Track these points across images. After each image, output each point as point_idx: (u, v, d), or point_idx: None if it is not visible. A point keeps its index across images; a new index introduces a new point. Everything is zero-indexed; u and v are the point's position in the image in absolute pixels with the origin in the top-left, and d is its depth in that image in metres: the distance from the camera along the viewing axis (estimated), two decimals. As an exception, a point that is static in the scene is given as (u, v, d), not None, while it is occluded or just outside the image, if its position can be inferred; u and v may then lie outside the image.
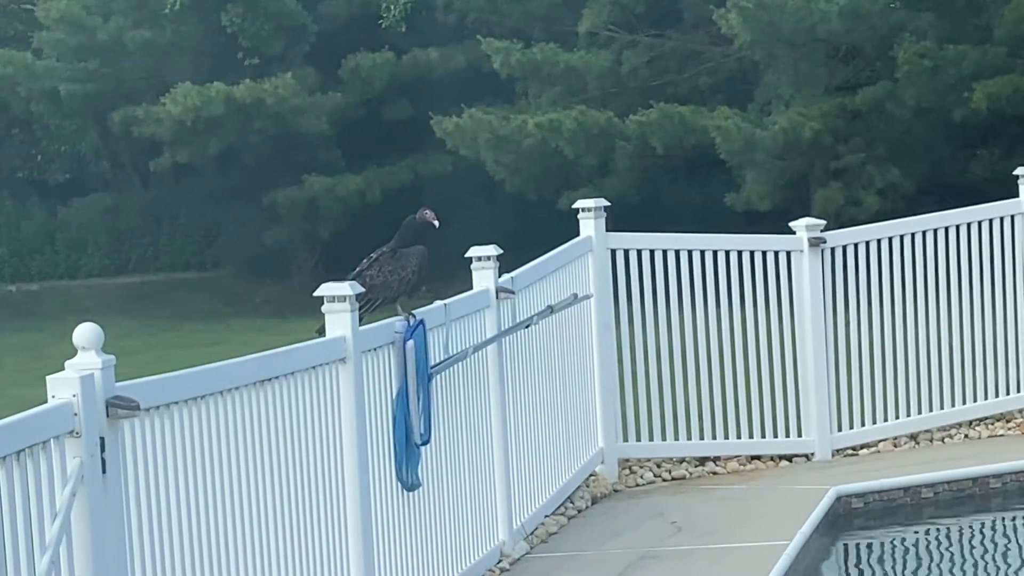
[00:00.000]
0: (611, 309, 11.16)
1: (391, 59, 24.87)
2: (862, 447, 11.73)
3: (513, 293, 9.36)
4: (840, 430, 11.66)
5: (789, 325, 11.49)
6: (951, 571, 9.80)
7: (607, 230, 11.15)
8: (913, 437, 11.94)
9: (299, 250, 26.31)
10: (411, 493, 7.91)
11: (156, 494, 5.75)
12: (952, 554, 10.16)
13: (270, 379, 6.63)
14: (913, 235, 11.87)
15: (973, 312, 12.04)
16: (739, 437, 11.46)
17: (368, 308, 7.85)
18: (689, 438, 11.41)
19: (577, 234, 11.05)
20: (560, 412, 10.36)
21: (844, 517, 10.32)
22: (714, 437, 11.43)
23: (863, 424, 11.74)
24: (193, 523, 5.99)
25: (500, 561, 9.11)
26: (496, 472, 9.20)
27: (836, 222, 16.74)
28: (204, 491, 6.08)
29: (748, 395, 11.45)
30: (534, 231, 17.24)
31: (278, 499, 6.64)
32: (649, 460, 11.38)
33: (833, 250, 11.61)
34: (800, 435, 11.56)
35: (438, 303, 8.39)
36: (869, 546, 10.15)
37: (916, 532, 10.31)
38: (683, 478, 11.27)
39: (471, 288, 9.13)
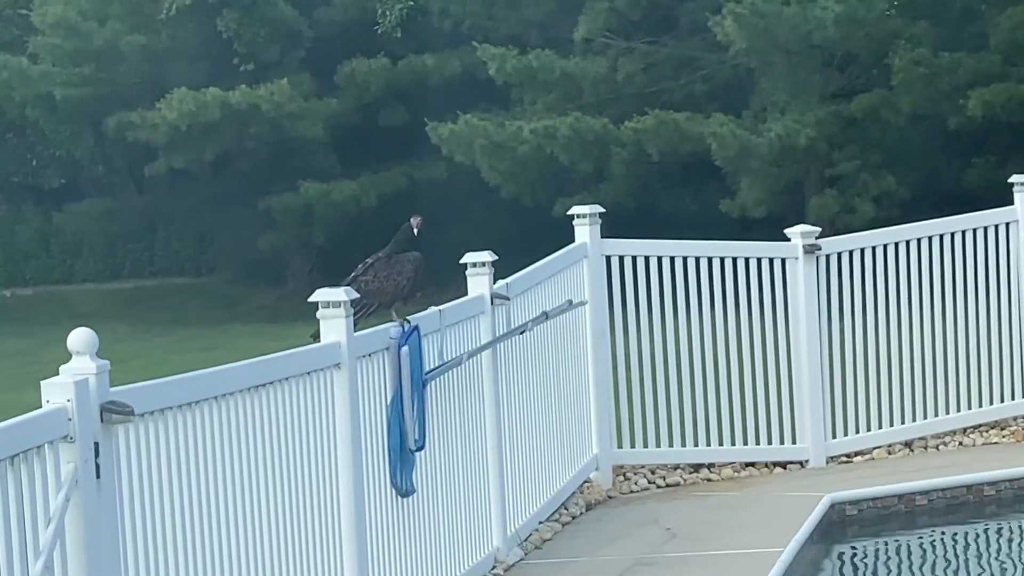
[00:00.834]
0: (606, 316, 11.15)
1: (387, 65, 24.89)
2: (856, 454, 11.73)
3: (508, 299, 9.36)
4: (834, 437, 11.66)
5: (784, 332, 11.49)
6: (945, 578, 9.82)
7: (602, 236, 11.15)
8: (907, 444, 11.94)
9: (294, 256, 26.32)
10: (405, 499, 7.90)
11: (150, 499, 5.75)
12: (946, 561, 10.16)
13: (265, 384, 6.63)
14: (908, 242, 11.88)
15: (968, 319, 12.04)
16: (733, 444, 11.46)
17: (363, 314, 7.84)
18: (683, 445, 11.40)
19: (572, 240, 11.05)
20: (554, 418, 10.36)
21: (838, 524, 10.32)
22: (708, 444, 11.42)
23: (857, 431, 11.74)
24: (187, 528, 5.99)
25: (494, 567, 9.10)
26: (490, 478, 9.20)
27: (831, 229, 16.75)
28: (198, 496, 6.07)
29: (742, 402, 11.45)
30: (529, 237, 17.25)
31: (272, 504, 6.63)
32: (643, 467, 11.37)
33: (828, 257, 11.62)
34: (794, 442, 11.57)
35: (433, 309, 8.38)
36: (863, 553, 10.15)
37: (910, 539, 10.30)
38: (677, 485, 11.27)
39: (466, 294, 9.13)
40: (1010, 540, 10.49)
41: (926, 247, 11.91)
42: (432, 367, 8.17)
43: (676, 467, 11.42)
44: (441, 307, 8.47)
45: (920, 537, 10.34)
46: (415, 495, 7.97)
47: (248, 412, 6.48)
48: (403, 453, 7.79)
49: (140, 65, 25.40)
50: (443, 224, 23.59)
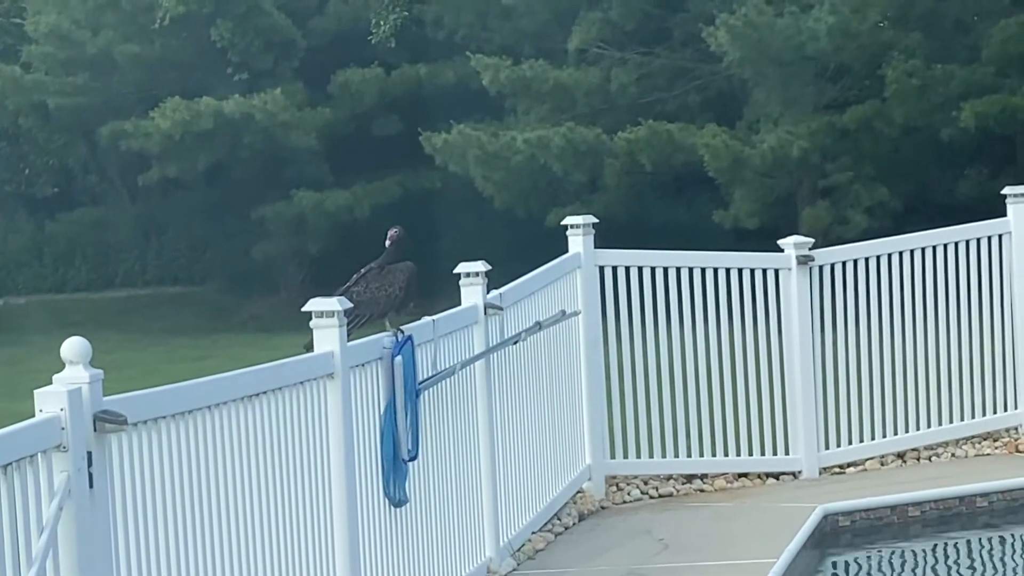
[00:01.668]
0: (599, 326, 11.16)
1: (380, 75, 24.91)
2: (849, 465, 11.74)
3: (501, 309, 9.36)
4: (827, 448, 11.66)
5: (777, 343, 11.49)
6: (938, 590, 9.82)
7: (595, 247, 11.16)
8: (900, 456, 11.94)
9: (287, 265, 26.32)
10: (398, 509, 7.90)
11: (143, 509, 5.74)
12: (938, 573, 10.17)
13: (258, 394, 6.62)
14: (901, 254, 11.89)
15: (960, 331, 12.05)
16: (726, 455, 11.46)
17: (356, 324, 7.84)
18: (676, 455, 11.40)
19: (565, 251, 11.05)
20: (548, 429, 10.36)
21: (831, 535, 10.32)
22: (701, 455, 11.42)
23: (850, 442, 11.75)
24: (180, 538, 5.98)
25: (487, 577, 9.11)
26: (483, 488, 9.20)
27: (824, 240, 16.77)
28: (191, 506, 6.07)
29: (736, 413, 11.45)
30: (522, 247, 17.26)
31: (265, 514, 6.63)
32: (636, 477, 11.37)
33: (821, 268, 11.62)
34: (787, 453, 11.57)
35: (426, 319, 8.39)
36: (856, 565, 10.15)
37: (903, 550, 10.31)
38: (670, 495, 11.27)
39: (459, 304, 9.13)
40: (1003, 552, 10.49)
41: (919, 258, 11.92)
42: (426, 377, 8.17)
43: (669, 478, 11.42)
44: (435, 317, 8.47)
45: (913, 548, 10.35)
46: (408, 505, 7.96)
47: (241, 422, 6.48)
48: (396, 463, 7.79)
49: (133, 74, 25.42)
50: (436, 234, 23.62)
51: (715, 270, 11.38)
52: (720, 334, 11.36)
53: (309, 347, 7.35)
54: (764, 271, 11.49)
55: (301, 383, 7.01)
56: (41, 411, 5.26)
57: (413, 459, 7.93)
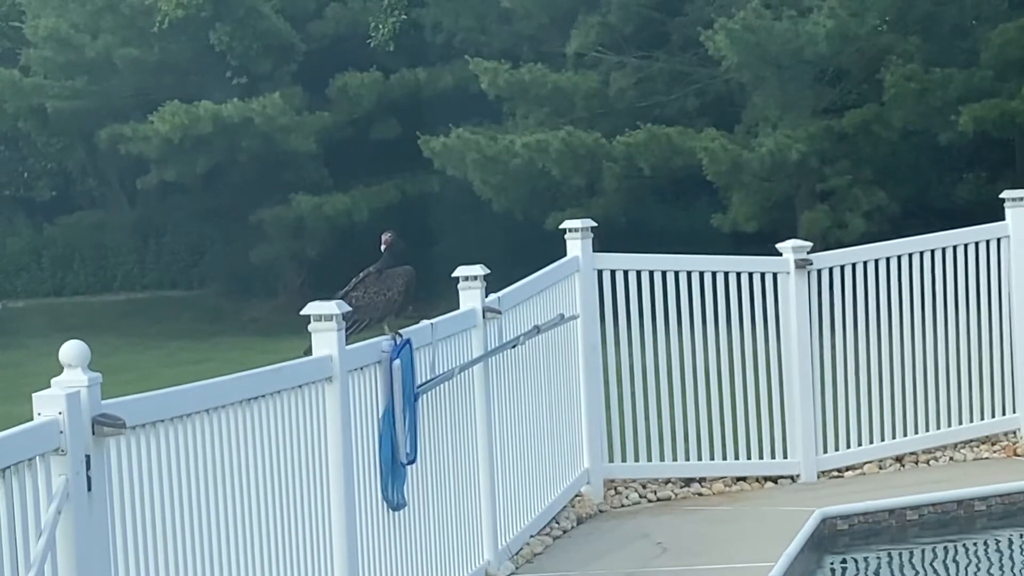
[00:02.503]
0: (597, 330, 11.16)
1: (379, 79, 24.91)
2: (847, 469, 11.74)
3: (500, 313, 9.36)
4: (825, 452, 11.67)
5: (775, 347, 11.50)
6: (936, 593, 9.82)
7: (594, 251, 11.17)
8: (898, 459, 11.95)
9: (286, 269, 26.32)
10: (397, 512, 7.90)
11: (141, 512, 5.75)
12: (937, 576, 10.18)
13: (256, 398, 6.63)
14: (899, 258, 11.89)
15: (959, 335, 12.05)
16: (725, 458, 11.47)
17: (354, 329, 7.84)
18: (675, 459, 11.41)
19: (564, 254, 11.05)
20: (546, 432, 10.36)
21: (829, 539, 10.32)
22: (700, 458, 11.43)
23: (848, 446, 11.75)
24: (178, 541, 5.98)
25: (485, 581, 9.11)
26: (482, 492, 9.20)
27: (822, 244, 16.79)
28: (189, 510, 6.07)
29: (734, 416, 11.46)
30: (521, 251, 17.26)
31: (264, 518, 6.63)
32: (635, 481, 11.38)
33: (819, 272, 11.63)
34: (785, 456, 11.57)
35: (425, 323, 8.39)
36: (854, 568, 10.15)
37: (901, 554, 10.31)
38: (668, 499, 11.27)
39: (458, 308, 9.14)
40: (1000, 556, 10.50)
41: (917, 262, 11.92)
42: (424, 380, 8.17)
43: (667, 481, 11.43)
44: (433, 321, 8.48)
45: (911, 552, 10.35)
46: (406, 508, 7.97)
47: (240, 425, 6.48)
48: (394, 466, 7.79)
49: (132, 78, 25.41)
50: (435, 238, 23.62)
51: (713, 274, 11.39)
52: (718, 338, 11.37)
53: (308, 353, 7.35)
54: (762, 275, 11.50)
55: (300, 387, 7.01)
56: (39, 415, 5.26)
57: (411, 463, 7.93)
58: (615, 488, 11.28)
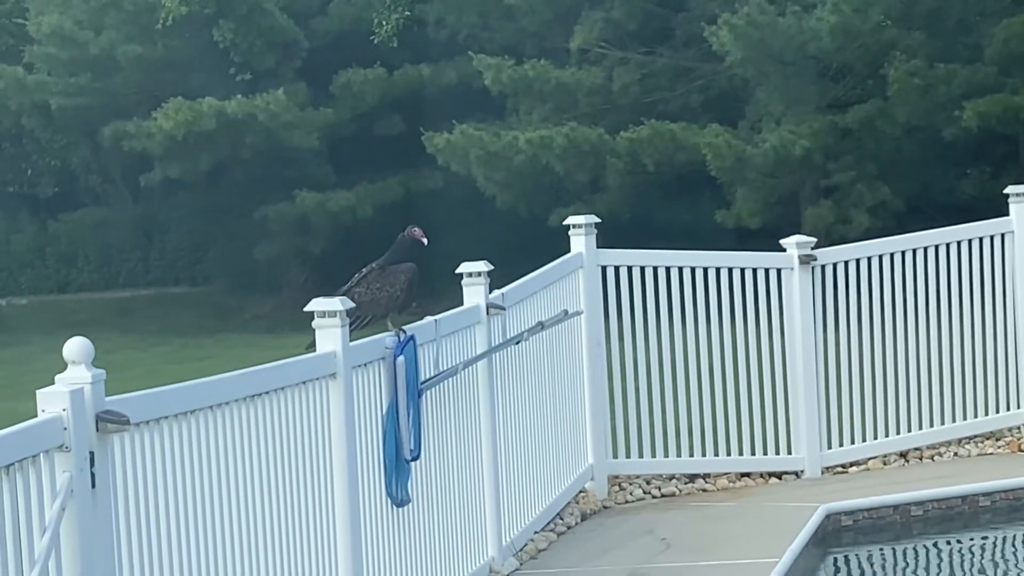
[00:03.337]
0: (601, 325, 11.16)
1: (382, 75, 24.91)
2: (852, 465, 11.74)
3: (503, 309, 9.36)
4: (830, 448, 11.66)
5: (779, 342, 11.49)
6: (940, 589, 9.82)
7: (598, 247, 11.16)
8: (903, 455, 11.94)
9: (290, 265, 26.32)
10: (401, 509, 7.90)
11: (145, 509, 5.75)
12: (941, 572, 10.16)
13: (260, 394, 6.62)
14: (903, 253, 11.88)
15: (963, 330, 12.04)
16: (729, 454, 11.46)
17: (357, 325, 7.84)
18: (679, 455, 11.40)
19: (568, 250, 11.05)
20: (550, 428, 10.36)
21: (833, 535, 10.32)
22: (704, 454, 11.43)
23: (853, 442, 11.75)
24: (182, 538, 5.98)
25: (489, 577, 9.11)
26: (486, 488, 9.20)
27: (826, 240, 16.77)
28: (194, 506, 6.07)
29: (738, 412, 11.45)
30: (525, 247, 17.25)
31: (267, 514, 6.63)
32: (639, 477, 11.37)
33: (823, 268, 11.62)
34: (790, 452, 11.57)
35: (428, 319, 8.39)
36: (858, 564, 10.15)
37: (905, 550, 10.31)
38: (673, 495, 11.27)
39: (461, 304, 9.13)
40: (1004, 551, 10.49)
41: (921, 258, 11.91)
42: (428, 377, 8.17)
43: (671, 477, 11.42)
44: (437, 317, 8.47)
45: (915, 548, 10.34)
46: (410, 505, 7.97)
47: (244, 422, 6.48)
48: (398, 463, 7.79)
49: (136, 75, 25.41)
50: (438, 234, 23.58)
51: (717, 270, 11.38)
52: (722, 334, 11.36)
53: (311, 347, 7.35)
54: (766, 271, 11.49)
55: (303, 383, 7.01)
56: (43, 411, 5.26)
57: (415, 459, 7.93)
58: (619, 484, 11.28)
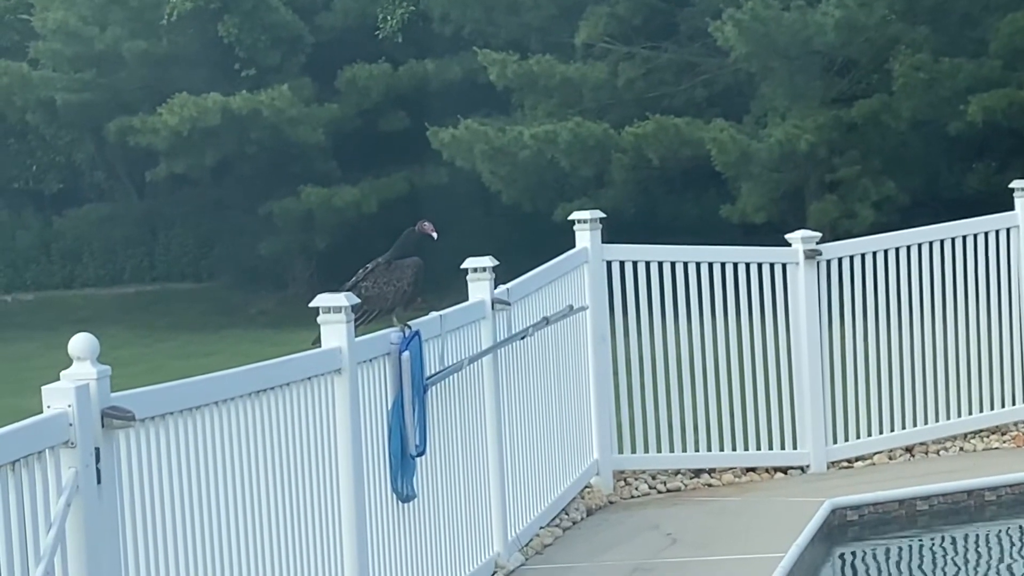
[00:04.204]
0: (606, 321, 11.15)
1: (387, 70, 24.91)
2: (857, 459, 11.73)
3: (509, 304, 9.36)
4: (835, 442, 11.66)
5: (784, 337, 11.49)
6: (946, 584, 9.82)
7: (603, 242, 11.16)
8: (908, 450, 11.94)
9: (295, 261, 26.33)
10: (406, 504, 7.90)
11: (151, 504, 5.75)
12: (947, 566, 10.16)
13: (265, 390, 6.62)
14: (908, 248, 11.88)
15: (968, 325, 12.04)
16: (734, 449, 11.46)
17: (363, 320, 7.84)
18: (684, 450, 11.40)
19: (572, 246, 11.05)
20: (555, 424, 10.36)
21: (839, 529, 10.31)
22: (709, 449, 11.42)
23: (858, 436, 11.74)
24: (188, 534, 5.99)
25: (495, 573, 9.10)
26: (491, 483, 9.20)
27: (831, 235, 16.74)
28: (199, 502, 6.07)
29: (743, 407, 11.45)
30: (530, 242, 17.26)
31: (273, 510, 6.63)
32: (644, 472, 11.37)
33: (828, 263, 11.62)
34: (795, 447, 11.56)
35: (434, 314, 8.38)
36: (864, 558, 10.15)
37: (911, 544, 10.30)
38: (678, 490, 11.26)
39: (467, 299, 9.13)
40: (1011, 545, 10.49)
41: (926, 252, 11.91)
42: (433, 372, 8.17)
43: (677, 472, 11.42)
44: (442, 312, 8.47)
45: (921, 542, 10.34)
46: (416, 500, 7.97)
47: (249, 417, 6.48)
48: (404, 458, 7.79)
49: (141, 70, 25.42)
50: (444, 229, 23.55)
51: (722, 265, 11.38)
52: (727, 329, 11.36)
53: (317, 343, 7.35)
54: (771, 266, 11.48)
55: (309, 379, 7.01)
56: (49, 407, 5.27)
57: (421, 454, 7.93)
58: (625, 479, 11.28)
